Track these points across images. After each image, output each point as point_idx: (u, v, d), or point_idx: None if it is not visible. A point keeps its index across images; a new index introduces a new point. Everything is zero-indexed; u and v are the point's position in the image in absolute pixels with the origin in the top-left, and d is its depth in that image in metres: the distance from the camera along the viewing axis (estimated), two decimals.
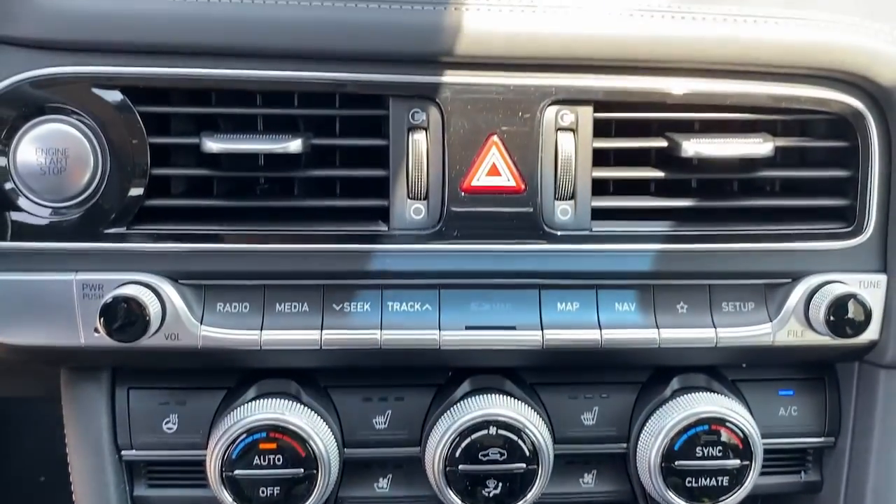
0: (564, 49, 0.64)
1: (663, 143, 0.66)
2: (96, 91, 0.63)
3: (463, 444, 0.67)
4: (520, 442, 0.67)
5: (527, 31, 0.63)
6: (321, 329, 0.66)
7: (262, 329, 0.66)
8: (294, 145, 0.62)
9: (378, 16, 0.63)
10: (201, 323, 0.66)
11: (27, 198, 0.63)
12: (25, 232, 0.64)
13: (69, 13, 0.62)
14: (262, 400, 0.67)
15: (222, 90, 0.65)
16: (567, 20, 0.64)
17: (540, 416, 0.69)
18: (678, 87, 0.65)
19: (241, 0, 0.62)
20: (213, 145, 0.62)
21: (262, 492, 0.66)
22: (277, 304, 0.67)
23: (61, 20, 0.62)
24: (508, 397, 0.68)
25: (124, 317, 0.63)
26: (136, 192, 0.64)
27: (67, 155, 0.63)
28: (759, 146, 0.65)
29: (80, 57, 0.63)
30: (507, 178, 0.65)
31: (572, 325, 0.67)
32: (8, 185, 0.63)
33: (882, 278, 0.68)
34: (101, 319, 0.63)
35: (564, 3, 0.64)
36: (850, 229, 0.68)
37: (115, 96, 0.63)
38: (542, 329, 0.67)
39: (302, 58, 0.63)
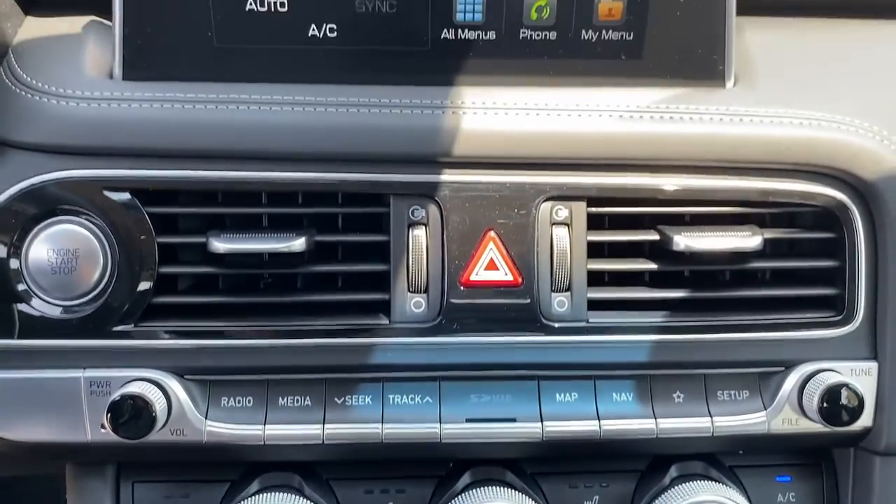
0: (557, 149, 0.66)
1: (655, 237, 0.68)
2: (107, 193, 0.65)
3: None
4: None
5: (521, 132, 0.66)
6: (323, 423, 0.67)
7: (265, 424, 0.67)
8: (298, 244, 0.64)
9: (378, 120, 0.66)
10: (206, 418, 0.67)
11: (39, 297, 0.65)
12: (35, 330, 0.66)
13: (81, 120, 0.65)
14: (265, 494, 0.68)
15: (229, 191, 0.67)
16: (559, 121, 0.66)
17: None
18: (668, 183, 0.68)
19: (247, 107, 0.65)
20: (219, 245, 0.64)
21: None
22: (280, 399, 0.68)
23: (74, 126, 0.65)
24: (509, 489, 0.68)
25: (131, 414, 0.64)
26: (144, 289, 0.66)
27: (78, 255, 0.65)
28: (748, 240, 0.67)
29: (91, 161, 0.65)
30: (504, 273, 0.66)
31: (571, 417, 0.68)
32: (21, 287, 0.65)
33: (873, 366, 0.69)
34: (109, 416, 0.64)
35: (557, 106, 0.67)
36: (839, 318, 0.69)
37: (124, 198, 0.65)
38: (541, 421, 0.68)
39: (306, 160, 0.66)
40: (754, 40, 0.75)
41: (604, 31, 0.68)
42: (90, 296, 0.66)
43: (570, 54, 0.68)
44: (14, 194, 0.65)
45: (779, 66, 0.72)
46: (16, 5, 0.73)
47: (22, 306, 0.65)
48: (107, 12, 0.71)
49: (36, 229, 0.65)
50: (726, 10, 0.67)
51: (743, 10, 0.74)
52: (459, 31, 0.67)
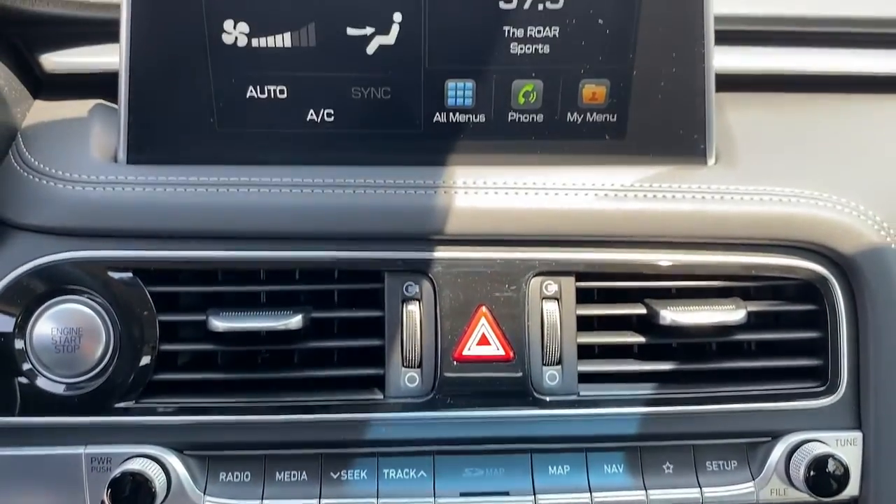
0: (545, 226, 0.69)
1: (643, 310, 0.70)
2: (111, 273, 0.68)
3: None
4: None
5: (510, 210, 0.69)
6: (319, 498, 0.68)
7: (262, 499, 0.68)
8: (295, 322, 0.66)
9: (373, 200, 0.68)
10: (205, 493, 0.68)
11: (44, 376, 0.67)
12: (38, 407, 0.67)
13: (87, 203, 0.67)
14: None
15: (228, 269, 0.69)
16: (547, 200, 0.69)
17: None
18: (654, 258, 0.70)
19: (247, 189, 0.68)
20: (219, 324, 0.66)
21: None
22: (277, 473, 0.69)
23: (79, 210, 0.67)
24: None
25: (131, 490, 0.65)
26: (145, 366, 0.67)
27: (81, 333, 0.67)
28: (732, 313, 0.69)
29: (96, 242, 0.68)
30: (496, 347, 0.68)
31: (564, 490, 0.69)
32: (26, 366, 0.66)
33: (858, 436, 0.71)
34: (109, 492, 0.65)
35: (544, 185, 0.69)
36: (824, 388, 0.71)
37: (127, 278, 0.68)
38: (534, 494, 0.69)
39: (303, 238, 0.68)
40: (734, 117, 0.78)
41: (588, 114, 0.71)
42: (93, 373, 0.67)
43: (557, 136, 0.71)
44: (21, 274, 0.67)
45: (758, 143, 0.75)
46: (25, 90, 0.76)
47: (26, 384, 0.67)
48: (112, 95, 0.75)
49: (41, 308, 0.67)
50: (706, 93, 0.70)
51: (722, 87, 0.78)
52: (451, 114, 0.70)
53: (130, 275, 0.68)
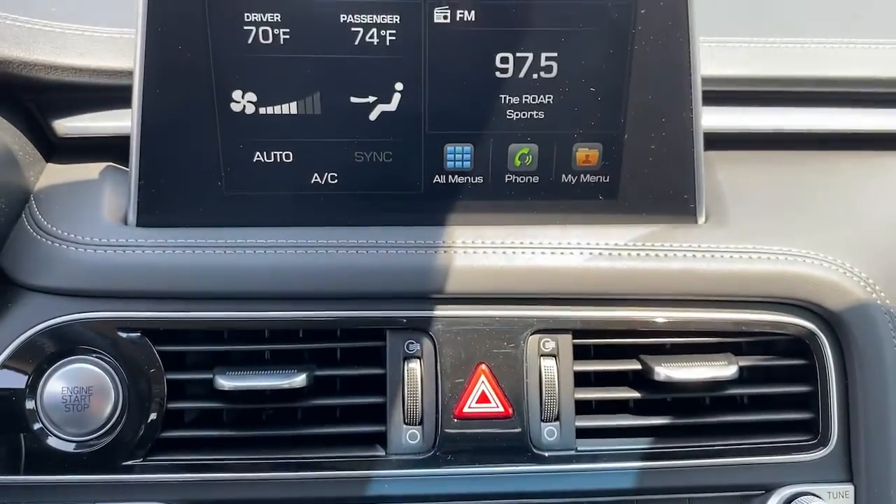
0: (542, 285, 0.71)
1: (637, 366, 0.72)
2: (120, 333, 0.70)
3: None
4: None
5: (508, 269, 0.71)
6: None
7: None
8: (299, 380, 0.68)
9: (375, 260, 0.70)
10: None
11: (54, 435, 0.68)
12: (46, 466, 0.68)
13: (97, 266, 0.69)
14: None
15: (234, 329, 0.71)
16: (543, 259, 0.71)
17: None
18: (647, 315, 0.72)
19: (253, 251, 0.70)
20: (225, 383, 0.68)
21: None
22: None
23: (90, 272, 0.69)
24: None
25: None
26: (153, 424, 0.69)
27: (91, 392, 0.68)
28: (724, 369, 0.71)
29: (106, 303, 0.70)
30: (495, 405, 0.70)
31: None
32: (37, 426, 0.68)
33: (850, 488, 0.72)
34: None
35: (541, 244, 0.72)
36: (815, 442, 0.73)
37: (136, 337, 0.69)
38: None
39: (307, 298, 0.71)
40: (723, 175, 0.81)
41: (582, 175, 0.74)
42: (102, 431, 0.69)
43: (552, 196, 0.74)
44: (33, 335, 0.69)
45: (747, 201, 0.78)
46: (38, 153, 0.79)
47: (35, 443, 0.68)
48: (122, 158, 0.78)
49: (52, 368, 0.69)
50: (695, 155, 0.73)
51: (711, 145, 0.81)
52: (450, 176, 0.73)
53: (139, 334, 0.70)
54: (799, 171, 0.83)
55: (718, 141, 0.83)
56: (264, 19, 0.67)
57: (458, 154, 0.73)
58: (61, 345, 0.69)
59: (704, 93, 0.73)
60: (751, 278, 0.72)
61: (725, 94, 0.84)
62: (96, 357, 0.70)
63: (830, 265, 0.73)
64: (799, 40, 0.85)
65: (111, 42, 0.77)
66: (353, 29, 0.68)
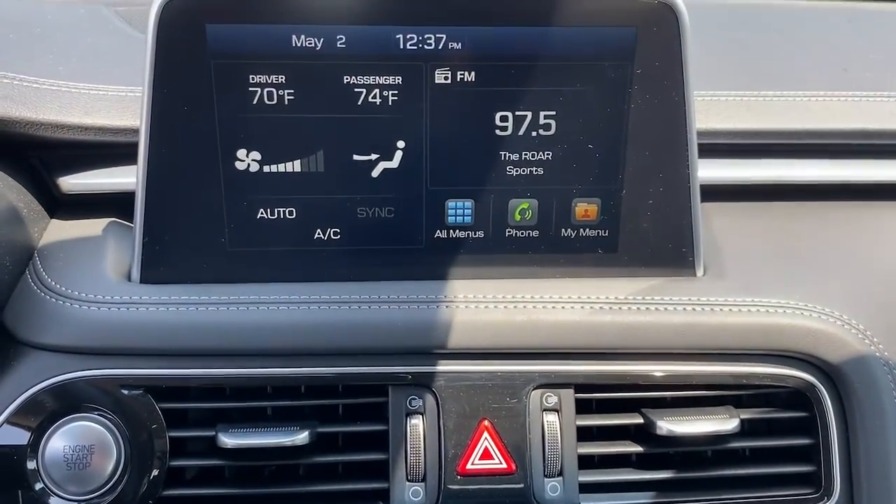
0: (543, 339, 0.71)
1: (640, 420, 0.73)
2: (123, 391, 0.70)
3: None
4: None
5: (509, 324, 0.71)
6: None
7: None
8: (301, 438, 0.68)
9: (377, 315, 0.71)
10: None
11: (55, 494, 0.68)
12: None
13: (101, 323, 0.69)
14: None
15: (236, 386, 0.71)
16: (544, 313, 0.72)
17: None
18: (648, 369, 0.73)
19: (256, 307, 0.70)
20: (228, 441, 0.67)
21: None
22: None
23: (94, 330, 0.69)
24: None
25: None
26: (155, 482, 0.68)
27: (93, 450, 0.68)
28: (726, 423, 0.71)
29: (109, 360, 0.70)
30: (498, 461, 0.70)
31: None
32: (38, 486, 0.67)
33: None
34: None
35: (542, 298, 0.73)
36: (818, 494, 0.73)
37: (139, 395, 0.69)
38: None
39: (309, 355, 0.71)
40: (721, 227, 0.82)
41: (581, 230, 0.75)
42: (104, 489, 0.68)
43: (552, 250, 0.75)
44: (35, 393, 0.69)
45: (745, 253, 0.79)
46: (42, 209, 0.80)
47: (37, 503, 0.68)
48: (126, 213, 0.78)
49: (54, 426, 0.68)
50: (692, 209, 0.74)
51: (708, 197, 0.82)
52: (451, 231, 0.74)
53: (142, 391, 0.70)
54: (795, 223, 0.84)
55: (715, 193, 0.84)
56: (269, 81, 0.69)
57: (459, 209, 0.74)
58: (63, 402, 0.69)
59: (700, 146, 0.74)
60: (750, 331, 0.72)
61: (720, 146, 0.85)
62: (98, 414, 0.69)
63: (828, 317, 0.73)
64: (790, 93, 0.87)
65: (117, 100, 0.78)
66: (356, 90, 0.69)
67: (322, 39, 0.68)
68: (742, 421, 0.72)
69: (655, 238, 0.75)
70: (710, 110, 0.84)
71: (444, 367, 0.71)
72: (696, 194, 0.74)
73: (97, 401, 0.69)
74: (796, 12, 1.30)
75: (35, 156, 0.80)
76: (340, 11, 0.68)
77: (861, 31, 1.14)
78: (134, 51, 0.90)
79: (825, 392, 0.73)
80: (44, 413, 0.69)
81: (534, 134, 0.72)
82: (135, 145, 0.71)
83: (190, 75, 0.68)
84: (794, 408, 0.75)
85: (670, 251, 0.75)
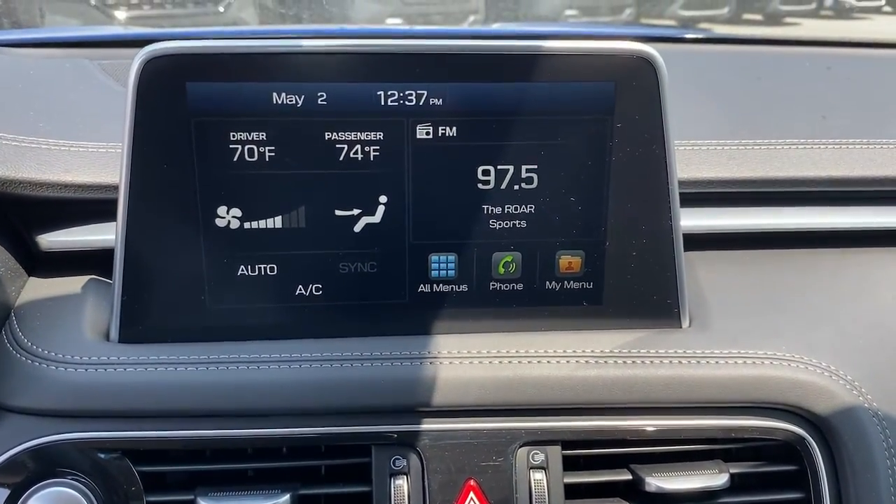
0: (530, 396, 0.70)
1: (628, 477, 0.71)
2: (100, 454, 0.68)
3: None
4: None
5: (495, 380, 0.70)
6: None
7: None
8: (283, 501, 0.66)
9: (360, 373, 0.70)
10: None
11: None
12: None
13: (78, 386, 0.68)
14: None
15: (216, 448, 0.70)
16: (529, 368, 0.71)
17: None
18: (635, 424, 0.72)
19: (236, 367, 0.69)
20: None
21: None
22: None
23: (71, 392, 0.68)
24: None
25: None
26: None
27: None
28: (715, 478, 0.70)
29: (86, 423, 0.68)
30: None
31: None
32: None
33: None
34: None
35: (526, 353, 0.72)
36: None
37: (116, 459, 0.68)
38: None
39: (290, 415, 0.69)
40: (705, 276, 0.82)
41: (565, 282, 0.74)
42: None
43: (536, 303, 0.74)
44: (9, 458, 0.67)
45: (729, 302, 0.79)
46: (20, 268, 0.78)
47: None
48: (105, 270, 0.77)
49: (28, 493, 0.66)
50: (676, 261, 0.74)
51: (692, 246, 0.82)
52: (434, 285, 0.73)
53: (119, 455, 0.68)
54: (779, 271, 0.84)
55: (698, 241, 0.84)
56: (250, 138, 0.69)
57: (442, 263, 0.73)
58: (38, 467, 0.67)
59: (682, 195, 0.74)
60: (738, 384, 0.72)
61: (703, 195, 0.86)
62: (73, 479, 0.68)
63: (815, 368, 0.73)
64: (771, 141, 0.88)
65: (97, 157, 0.78)
66: (337, 146, 0.69)
67: (303, 96, 0.68)
68: (732, 475, 0.71)
69: (640, 290, 0.75)
70: (691, 160, 0.84)
71: (428, 425, 0.70)
72: (680, 246, 0.74)
73: (73, 465, 0.68)
74: (775, 58, 1.32)
75: (13, 213, 0.79)
76: (322, 69, 0.68)
77: (839, 77, 1.16)
78: (116, 105, 0.90)
79: (815, 445, 0.72)
80: (18, 478, 0.67)
81: (516, 187, 0.72)
82: (115, 202, 0.70)
83: (170, 133, 0.68)
84: (784, 461, 0.74)
85: (655, 303, 0.75)
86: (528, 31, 1.66)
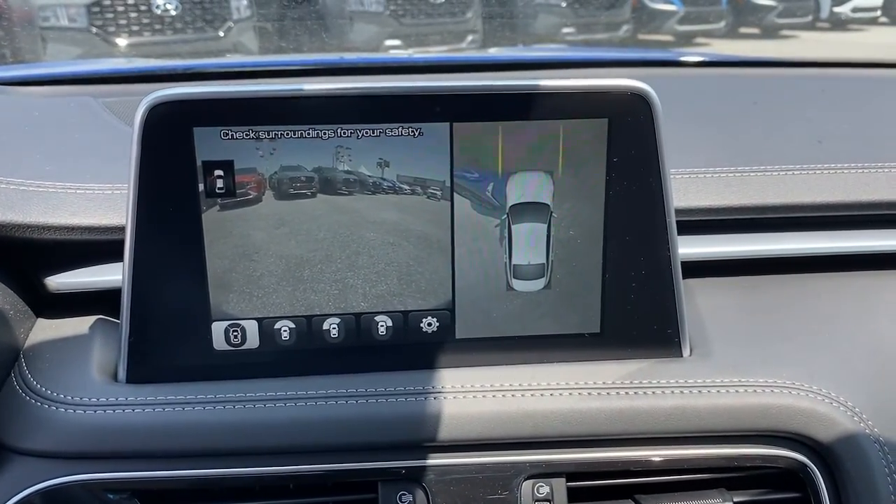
0: (533, 429, 0.71)
1: None
2: (109, 495, 0.69)
3: None
4: None
5: (498, 414, 0.71)
6: None
7: None
8: None
9: (365, 410, 0.71)
10: None
11: None
12: None
13: (87, 427, 0.69)
14: None
15: (224, 486, 0.71)
16: (534, 402, 0.72)
17: None
18: (639, 455, 0.72)
19: (243, 406, 0.70)
20: None
21: None
22: None
23: (80, 434, 0.69)
24: None
25: None
26: None
27: None
28: None
29: (95, 464, 0.69)
30: None
31: None
32: None
33: None
34: None
35: (529, 385, 0.72)
36: None
37: (125, 499, 0.69)
38: None
39: (297, 452, 0.70)
40: (704, 304, 0.83)
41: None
42: None
43: (537, 335, 0.75)
44: (20, 500, 0.68)
45: (730, 331, 0.80)
46: (28, 309, 0.80)
47: None
48: (111, 310, 0.79)
49: None
50: (675, 291, 0.74)
51: (690, 273, 0.83)
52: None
53: (128, 495, 0.69)
54: (778, 297, 0.85)
55: (696, 268, 0.85)
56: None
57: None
58: None
59: (680, 222, 0.75)
60: (740, 412, 0.72)
61: (700, 222, 0.87)
62: None
63: (817, 395, 0.73)
64: (767, 168, 0.89)
65: (104, 199, 0.79)
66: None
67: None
68: None
69: (640, 321, 0.75)
70: (688, 188, 0.85)
71: (433, 460, 0.71)
72: (679, 276, 0.75)
73: None
74: (770, 81, 1.34)
75: (21, 256, 0.80)
76: (327, 111, 0.69)
77: (833, 100, 1.17)
78: (121, 145, 0.91)
79: (818, 472, 0.73)
80: None
81: None
82: (120, 242, 0.71)
83: (176, 176, 0.69)
84: (787, 489, 0.74)
85: (655, 333, 0.76)
86: (522, 57, 1.67)
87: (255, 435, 0.70)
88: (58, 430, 0.69)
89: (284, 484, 0.71)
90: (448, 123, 0.70)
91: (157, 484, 0.69)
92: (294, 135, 0.69)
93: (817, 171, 0.89)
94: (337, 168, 0.70)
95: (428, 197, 0.71)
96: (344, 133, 0.69)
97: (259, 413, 0.70)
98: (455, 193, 0.71)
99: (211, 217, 0.70)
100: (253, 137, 0.69)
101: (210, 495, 0.71)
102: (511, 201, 0.72)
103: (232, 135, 0.68)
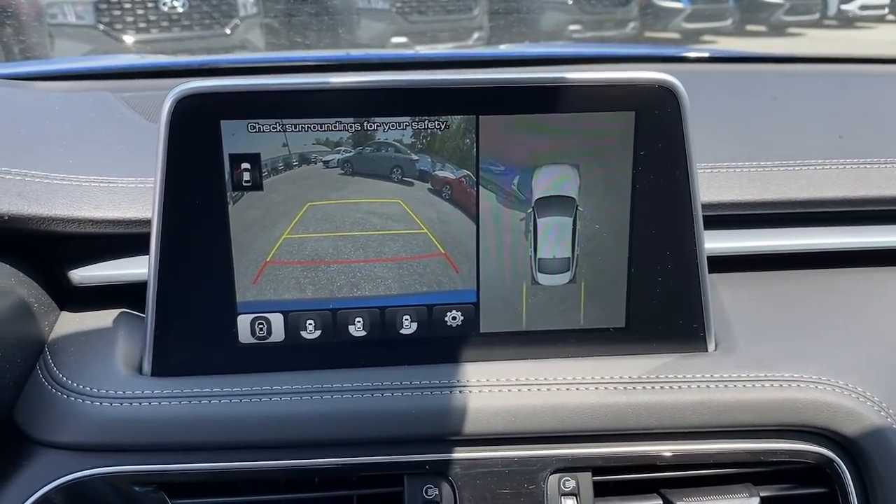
0: (559, 423, 0.71)
1: (659, 502, 0.72)
2: (135, 488, 0.69)
3: None
4: None
5: (524, 408, 0.71)
6: None
7: None
8: None
9: (391, 403, 0.71)
10: None
11: None
12: None
13: (114, 420, 0.69)
14: None
15: (250, 479, 0.71)
16: (559, 396, 0.72)
17: None
18: (665, 449, 0.72)
19: (269, 398, 0.70)
20: None
21: None
22: None
23: (107, 427, 0.69)
24: None
25: None
26: None
27: None
28: (746, 501, 0.71)
29: (121, 456, 0.69)
30: None
31: None
32: None
33: None
34: None
35: (555, 380, 0.72)
36: None
37: (152, 491, 0.69)
38: None
39: (323, 445, 0.70)
40: (729, 299, 0.83)
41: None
42: None
43: (564, 330, 0.75)
44: (46, 493, 0.68)
45: (755, 325, 0.79)
46: (52, 303, 0.80)
47: None
48: (135, 304, 0.79)
49: None
50: (701, 285, 0.74)
51: (715, 268, 0.82)
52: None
53: (154, 488, 0.69)
54: (802, 292, 0.85)
55: (721, 263, 0.85)
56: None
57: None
58: (74, 501, 0.68)
59: (704, 217, 0.75)
60: (766, 407, 0.72)
61: (725, 217, 0.86)
62: None
63: (843, 390, 0.73)
64: (790, 163, 0.88)
65: (127, 192, 0.79)
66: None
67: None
68: (762, 499, 0.72)
69: (666, 315, 0.75)
70: (711, 182, 0.85)
71: (459, 454, 0.71)
72: (705, 271, 0.74)
73: (108, 499, 0.68)
74: (788, 76, 1.33)
75: (46, 249, 0.80)
76: (357, 106, 0.69)
77: (853, 95, 1.16)
78: (142, 139, 0.92)
79: (844, 467, 0.73)
80: None
81: None
82: (145, 236, 0.71)
83: (203, 170, 0.69)
84: (813, 483, 0.74)
85: (681, 327, 0.75)
86: (531, 53, 1.67)
87: (280, 428, 0.69)
88: (84, 423, 0.69)
89: (310, 477, 0.71)
90: (474, 116, 0.70)
91: (183, 477, 0.69)
92: (320, 128, 0.69)
93: (839, 166, 0.88)
94: (363, 161, 0.70)
95: (453, 190, 0.72)
96: (370, 126, 0.69)
97: (284, 406, 0.70)
98: (480, 186, 0.72)
99: (237, 210, 0.70)
100: (280, 130, 0.69)
101: (235, 488, 0.71)
102: (537, 195, 0.72)
103: (259, 127, 0.68)
